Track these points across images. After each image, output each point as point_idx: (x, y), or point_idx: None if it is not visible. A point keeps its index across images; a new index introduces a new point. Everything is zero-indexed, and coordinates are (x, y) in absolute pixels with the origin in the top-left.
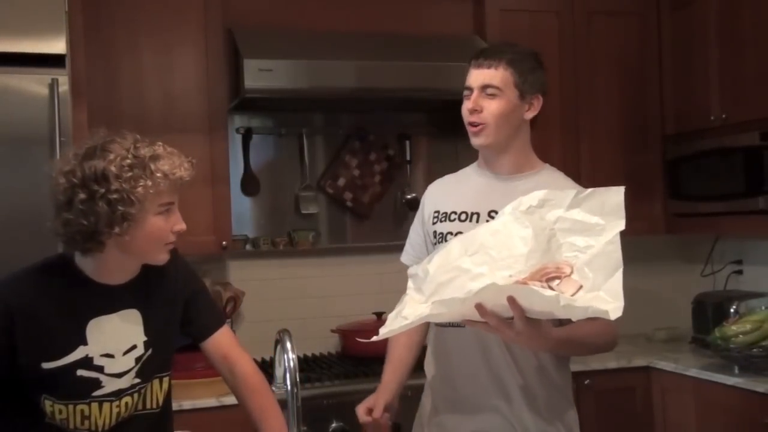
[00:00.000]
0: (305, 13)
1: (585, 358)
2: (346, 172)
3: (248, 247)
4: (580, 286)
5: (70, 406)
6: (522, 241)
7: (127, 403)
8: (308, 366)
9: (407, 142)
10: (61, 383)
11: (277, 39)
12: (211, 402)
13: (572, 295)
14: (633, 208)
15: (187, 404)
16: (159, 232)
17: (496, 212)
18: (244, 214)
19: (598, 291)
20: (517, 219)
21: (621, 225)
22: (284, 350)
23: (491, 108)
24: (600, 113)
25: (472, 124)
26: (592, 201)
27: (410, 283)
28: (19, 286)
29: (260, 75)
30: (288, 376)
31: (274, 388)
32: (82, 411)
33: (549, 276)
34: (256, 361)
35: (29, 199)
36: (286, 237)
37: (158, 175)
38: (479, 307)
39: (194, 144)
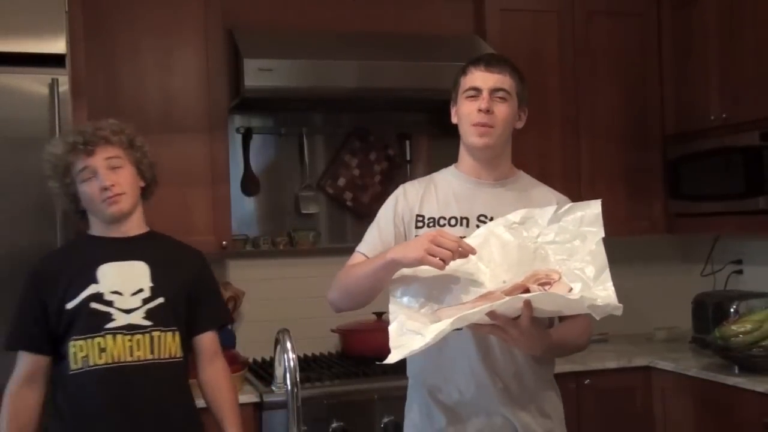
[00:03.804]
0: (305, 13)
1: (585, 358)
2: (346, 172)
3: (248, 247)
4: (570, 289)
5: (89, 340)
6: (512, 252)
7: (139, 341)
8: (308, 366)
9: (407, 142)
10: (80, 317)
11: (277, 39)
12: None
13: None
14: (633, 208)
15: None
16: (87, 195)
17: (485, 216)
18: (244, 214)
19: (590, 291)
20: (505, 233)
21: (601, 233)
22: (284, 350)
23: (501, 111)
24: (600, 113)
25: (482, 125)
26: (571, 215)
27: (392, 289)
28: (45, 257)
29: (260, 75)
30: (288, 376)
31: (274, 388)
32: (98, 344)
33: (540, 281)
34: (255, 361)
35: (29, 198)
36: (286, 237)
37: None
38: (491, 311)
39: (194, 144)
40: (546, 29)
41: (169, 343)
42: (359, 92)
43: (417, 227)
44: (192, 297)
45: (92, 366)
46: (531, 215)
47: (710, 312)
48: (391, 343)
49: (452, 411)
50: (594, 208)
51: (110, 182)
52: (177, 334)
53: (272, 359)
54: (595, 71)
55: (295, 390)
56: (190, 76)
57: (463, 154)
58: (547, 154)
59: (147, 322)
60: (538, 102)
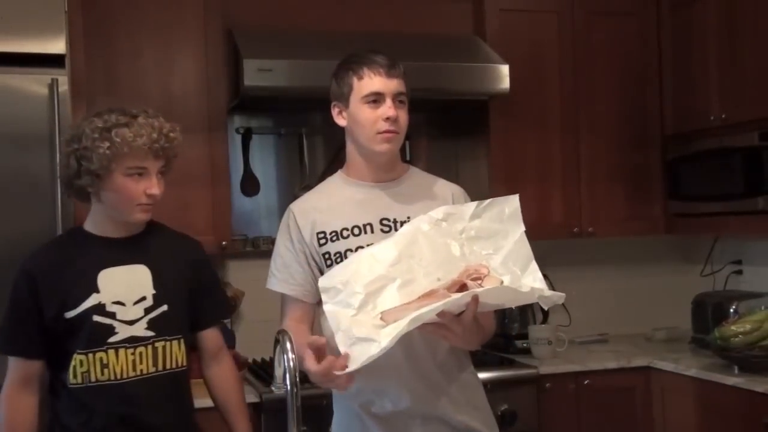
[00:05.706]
0: (305, 13)
1: (585, 358)
2: None
3: (248, 247)
4: (501, 282)
5: (90, 355)
6: (440, 249)
7: (142, 354)
8: None
9: (407, 142)
10: (81, 329)
11: (277, 39)
12: (210, 402)
13: None
14: (632, 208)
15: None
16: (127, 191)
17: (388, 219)
18: (244, 214)
19: (520, 282)
20: (430, 230)
21: (521, 227)
22: (284, 350)
23: (403, 116)
24: (600, 113)
25: (390, 132)
26: (491, 211)
27: (326, 297)
28: (38, 254)
29: (260, 75)
30: (288, 376)
31: (273, 388)
32: (101, 359)
33: (471, 276)
34: (255, 361)
35: (29, 198)
36: None
37: (117, 140)
38: (441, 311)
39: (194, 144)
40: (546, 29)
41: (175, 353)
42: None
43: (321, 245)
44: (193, 293)
45: (93, 382)
46: (453, 211)
47: (710, 312)
48: (343, 351)
49: (387, 422)
50: (512, 203)
51: (159, 191)
52: (182, 341)
53: (272, 359)
54: (594, 71)
55: (295, 390)
56: (190, 76)
57: (355, 159)
58: (547, 155)
59: (150, 333)
60: (538, 102)
